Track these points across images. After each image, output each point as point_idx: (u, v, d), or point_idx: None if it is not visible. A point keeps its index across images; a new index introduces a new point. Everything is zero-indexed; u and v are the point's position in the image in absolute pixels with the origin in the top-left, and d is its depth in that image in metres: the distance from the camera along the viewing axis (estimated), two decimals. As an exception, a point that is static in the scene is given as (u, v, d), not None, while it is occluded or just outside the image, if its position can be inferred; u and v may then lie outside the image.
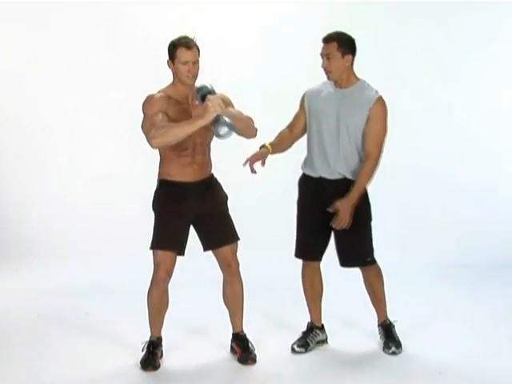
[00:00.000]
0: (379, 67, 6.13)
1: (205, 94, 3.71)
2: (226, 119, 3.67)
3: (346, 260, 4.17)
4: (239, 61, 6.28)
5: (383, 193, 6.01)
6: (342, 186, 4.05)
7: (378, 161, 4.05)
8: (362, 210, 4.08)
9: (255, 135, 3.91)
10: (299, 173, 4.27)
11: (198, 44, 3.85)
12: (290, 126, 4.26)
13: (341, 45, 3.98)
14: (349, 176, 4.07)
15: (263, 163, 4.10)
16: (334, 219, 4.02)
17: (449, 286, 5.52)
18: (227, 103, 3.86)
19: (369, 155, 4.03)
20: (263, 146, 4.15)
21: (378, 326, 4.33)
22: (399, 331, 4.32)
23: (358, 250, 4.16)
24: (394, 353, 4.19)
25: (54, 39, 6.21)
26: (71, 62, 6.23)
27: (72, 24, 6.20)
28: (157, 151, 3.96)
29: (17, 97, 6.26)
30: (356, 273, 4.27)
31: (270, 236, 5.82)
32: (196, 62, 3.83)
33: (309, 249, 4.24)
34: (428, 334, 4.49)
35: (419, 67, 6.39)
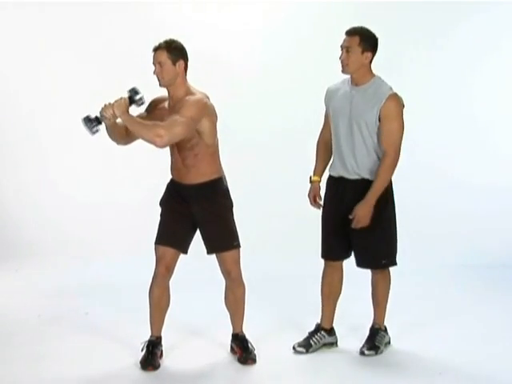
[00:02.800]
0: (387, 66, 6.14)
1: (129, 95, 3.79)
2: (92, 125, 3.71)
3: (359, 260, 4.13)
4: (243, 62, 6.29)
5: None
6: (361, 187, 4.00)
7: (395, 160, 3.97)
8: (381, 211, 4.00)
9: (155, 144, 3.67)
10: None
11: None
12: (322, 130, 4.25)
13: (363, 40, 3.94)
14: (366, 176, 4.01)
15: (320, 198, 4.25)
16: (353, 222, 3.98)
17: (449, 286, 5.52)
18: (177, 108, 3.77)
19: (384, 155, 3.96)
20: (311, 180, 4.27)
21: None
22: (400, 331, 4.32)
23: (371, 252, 4.09)
24: (362, 352, 4.15)
25: (56, 36, 6.22)
26: (73, 60, 6.23)
27: (74, 21, 6.22)
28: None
29: (15, 97, 6.26)
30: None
31: (274, 237, 5.83)
32: (162, 64, 3.80)
33: (330, 249, 4.19)
34: (428, 334, 4.49)
35: (427, 67, 6.40)
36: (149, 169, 5.66)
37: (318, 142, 4.31)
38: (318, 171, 4.28)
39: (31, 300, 5.19)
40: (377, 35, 3.99)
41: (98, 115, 3.73)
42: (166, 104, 3.93)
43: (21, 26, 6.19)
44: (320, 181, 4.27)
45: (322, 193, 4.27)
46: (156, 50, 3.83)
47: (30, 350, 4.26)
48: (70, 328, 4.63)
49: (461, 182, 6.34)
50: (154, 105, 3.99)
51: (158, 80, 3.85)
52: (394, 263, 4.16)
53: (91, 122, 3.72)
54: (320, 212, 4.25)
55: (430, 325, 4.67)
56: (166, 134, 3.66)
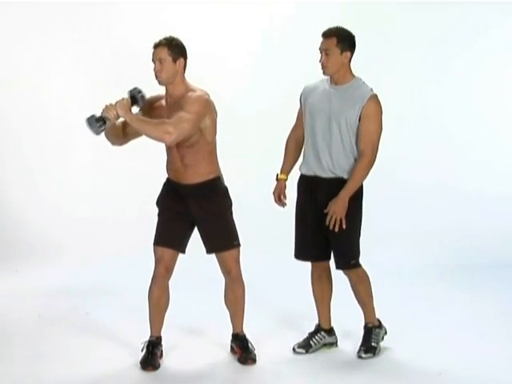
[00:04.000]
0: (384, 66, 6.15)
1: (131, 96, 3.81)
2: (98, 124, 3.69)
3: (336, 262, 4.13)
4: (241, 64, 6.29)
5: (383, 194, 6.05)
6: (335, 187, 3.98)
7: (372, 160, 3.96)
8: (353, 212, 3.98)
9: (164, 141, 3.73)
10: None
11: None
12: (295, 128, 4.23)
13: (340, 40, 3.94)
14: (341, 174, 4.00)
15: (285, 197, 4.22)
16: (327, 218, 3.98)
17: (448, 286, 5.52)
18: (175, 107, 3.78)
19: (361, 154, 3.95)
20: (277, 178, 4.23)
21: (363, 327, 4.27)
22: (399, 331, 4.32)
23: (345, 253, 4.08)
24: (360, 357, 4.13)
25: (54, 37, 6.24)
26: (68, 64, 6.25)
27: (73, 21, 6.23)
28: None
29: (15, 99, 6.28)
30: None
31: (273, 237, 5.82)
32: (162, 60, 3.79)
33: (306, 249, 4.17)
34: (428, 334, 4.49)
35: (423, 68, 6.41)
36: (148, 168, 5.65)
37: (289, 139, 4.27)
38: (286, 169, 4.25)
39: (31, 300, 5.19)
40: (353, 33, 3.98)
41: (102, 115, 3.70)
42: (163, 102, 3.91)
43: (21, 26, 6.20)
44: (287, 179, 4.23)
45: (288, 192, 4.24)
46: (156, 46, 3.82)
47: (30, 350, 4.26)
48: (70, 328, 4.63)
49: (460, 184, 6.36)
50: (150, 104, 3.93)
51: (157, 77, 3.83)
52: (359, 264, 4.12)
53: (97, 122, 3.68)
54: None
55: (428, 325, 4.66)
56: (175, 131, 3.66)
